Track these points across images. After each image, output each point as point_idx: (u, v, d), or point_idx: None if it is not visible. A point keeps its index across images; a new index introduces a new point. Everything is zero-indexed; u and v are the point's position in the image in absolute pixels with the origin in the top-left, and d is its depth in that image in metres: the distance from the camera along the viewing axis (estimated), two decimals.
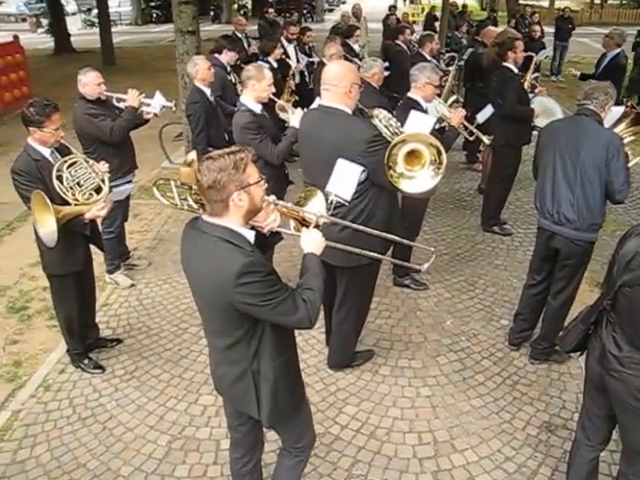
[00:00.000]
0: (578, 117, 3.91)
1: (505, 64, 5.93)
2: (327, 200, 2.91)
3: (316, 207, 2.81)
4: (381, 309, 4.96)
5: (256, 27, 13.09)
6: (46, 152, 3.76)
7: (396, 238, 3.33)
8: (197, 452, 3.56)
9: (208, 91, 5.53)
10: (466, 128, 4.96)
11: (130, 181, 5.10)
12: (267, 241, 2.59)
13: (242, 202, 2.24)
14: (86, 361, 4.26)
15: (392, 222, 3.74)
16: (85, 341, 4.30)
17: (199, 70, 5.43)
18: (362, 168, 3.27)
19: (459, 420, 3.80)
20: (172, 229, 6.48)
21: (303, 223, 2.77)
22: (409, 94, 4.72)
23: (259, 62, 7.16)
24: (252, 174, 2.27)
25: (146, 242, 6.22)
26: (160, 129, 8.14)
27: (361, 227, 3.13)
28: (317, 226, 2.70)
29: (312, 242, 2.56)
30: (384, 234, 3.22)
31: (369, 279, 3.98)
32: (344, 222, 3.05)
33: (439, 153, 3.38)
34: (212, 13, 31.97)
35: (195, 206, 2.57)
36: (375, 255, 3.12)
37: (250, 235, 2.34)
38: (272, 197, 2.54)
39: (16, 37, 11.91)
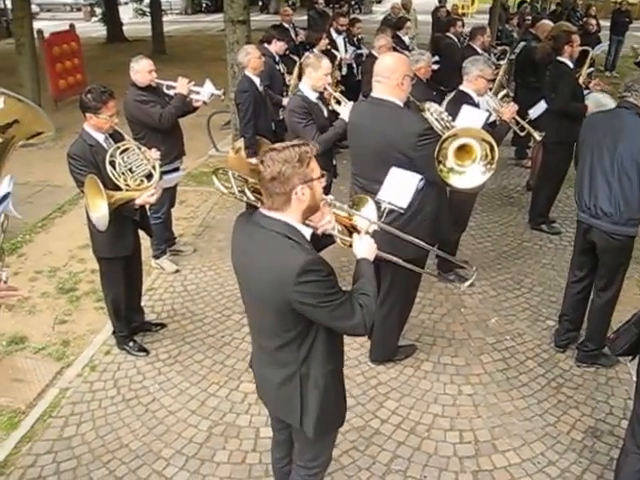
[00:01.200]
0: (618, 110, 3.87)
1: (560, 58, 5.77)
2: (379, 208, 2.83)
3: (368, 214, 2.73)
4: (424, 304, 4.91)
5: (305, 18, 13.08)
6: (100, 138, 3.83)
7: (439, 252, 3.36)
8: (237, 439, 3.60)
9: (258, 80, 5.55)
10: (517, 123, 4.86)
11: (178, 168, 5.17)
12: (319, 243, 2.50)
13: (304, 196, 2.18)
14: (131, 344, 4.35)
15: (440, 217, 3.71)
16: (130, 324, 4.39)
17: (251, 59, 5.48)
18: (420, 176, 3.19)
19: (501, 420, 3.73)
20: (218, 216, 6.56)
21: (351, 229, 2.70)
22: (461, 87, 4.66)
23: (307, 53, 7.18)
24: (315, 169, 2.21)
25: (192, 229, 6.30)
26: (208, 117, 8.20)
27: (405, 236, 3.02)
28: (368, 234, 2.62)
29: (365, 248, 2.48)
30: (422, 243, 3.15)
31: (413, 274, 3.93)
32: (395, 231, 2.94)
33: (491, 149, 3.32)
34: (260, 3, 32.05)
35: (252, 198, 2.51)
36: (416, 268, 3.11)
37: (307, 232, 2.29)
38: (330, 197, 2.50)
39: (72, 26, 12.16)
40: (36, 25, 11.45)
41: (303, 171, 2.16)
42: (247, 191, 2.54)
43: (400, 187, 3.08)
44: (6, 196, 2.47)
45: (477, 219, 6.39)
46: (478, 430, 3.67)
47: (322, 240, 2.52)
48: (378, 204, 2.84)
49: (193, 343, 4.46)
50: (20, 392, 3.99)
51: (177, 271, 5.42)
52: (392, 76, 3.44)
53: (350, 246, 2.56)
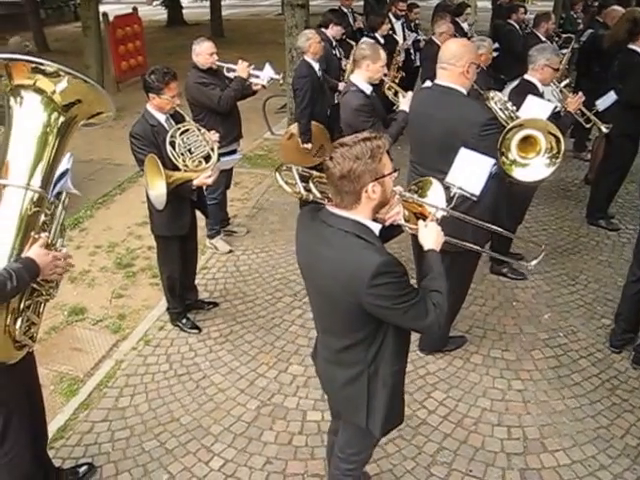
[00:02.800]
0: None
1: (632, 46, 5.49)
2: (449, 193, 2.71)
3: (435, 199, 2.60)
4: (476, 295, 4.84)
5: (361, 3, 12.92)
6: (162, 118, 3.90)
7: (504, 232, 3.14)
8: (284, 420, 3.64)
9: (317, 66, 5.53)
10: (583, 114, 4.70)
11: (235, 150, 5.22)
12: (387, 234, 2.40)
13: (375, 194, 2.08)
14: (184, 320, 4.45)
15: (498, 210, 3.65)
16: (184, 301, 4.49)
17: (311, 44, 5.45)
18: (493, 161, 3.04)
19: (551, 419, 3.66)
20: (271, 199, 6.62)
21: (419, 216, 2.59)
22: (525, 76, 4.52)
23: (364, 37, 7.12)
24: (387, 164, 2.11)
25: (246, 210, 6.38)
26: (264, 101, 8.26)
27: (475, 220, 2.84)
28: (435, 220, 2.51)
29: (432, 238, 2.36)
30: (490, 226, 2.99)
31: (469, 266, 3.90)
32: (466, 216, 2.79)
33: (557, 141, 3.21)
34: None
35: (319, 196, 2.36)
36: (475, 247, 2.90)
37: (377, 228, 2.19)
38: (399, 188, 2.40)
39: (135, 9, 12.40)
40: (101, 9, 11.72)
41: (375, 168, 2.05)
42: (313, 188, 2.39)
43: (471, 171, 2.92)
44: (64, 173, 2.55)
45: (532, 212, 6.22)
46: (527, 427, 3.60)
47: (390, 230, 2.45)
48: (447, 188, 2.72)
49: (244, 323, 4.53)
50: (79, 361, 4.15)
51: (230, 251, 5.50)
52: (458, 63, 3.35)
53: None
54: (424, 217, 2.54)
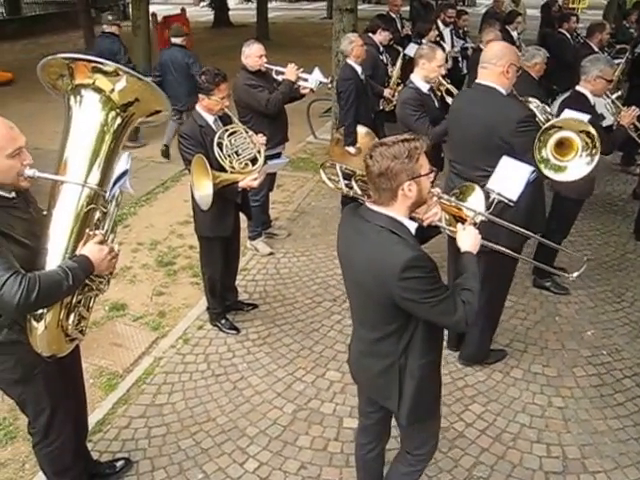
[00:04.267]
0: None
1: None
2: (488, 198, 2.77)
3: (475, 204, 2.70)
4: (517, 309, 4.76)
5: (407, 9, 12.87)
6: (210, 119, 3.94)
7: (550, 243, 3.17)
8: (320, 425, 3.63)
9: (360, 69, 5.56)
10: (637, 129, 4.59)
11: (280, 153, 5.24)
12: (425, 234, 2.52)
13: (411, 193, 2.19)
14: (223, 321, 4.47)
15: (534, 215, 3.61)
16: (224, 302, 4.52)
17: (354, 47, 5.50)
18: (532, 168, 3.10)
19: (593, 439, 3.56)
20: (313, 202, 6.64)
21: (458, 219, 2.69)
22: (577, 87, 4.43)
23: (411, 44, 7.08)
24: (424, 165, 2.21)
25: (287, 213, 6.40)
26: (308, 104, 8.27)
27: (514, 227, 2.91)
28: (474, 224, 2.60)
29: (469, 241, 2.47)
30: (529, 233, 3.05)
31: (507, 270, 3.84)
32: (504, 222, 2.85)
33: (590, 137, 3.20)
34: None
35: (359, 192, 2.53)
36: (507, 251, 2.90)
37: (412, 227, 2.30)
38: (437, 190, 2.49)
39: (183, 10, 12.60)
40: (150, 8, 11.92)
41: (411, 167, 2.16)
42: (354, 184, 2.56)
43: (510, 178, 2.99)
44: (125, 173, 2.59)
45: (577, 226, 6.06)
46: (567, 446, 3.51)
47: (427, 231, 2.54)
48: (487, 194, 2.79)
49: (283, 326, 4.53)
50: (119, 356, 4.21)
51: (271, 254, 5.52)
52: (498, 62, 3.42)
53: None
54: (463, 221, 2.63)
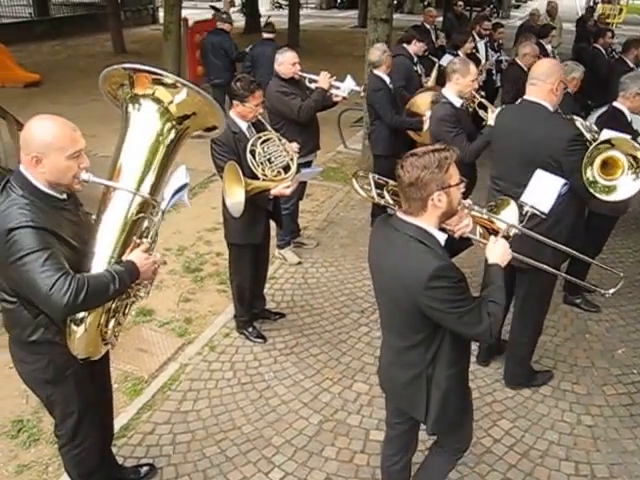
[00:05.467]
0: None
1: None
2: (522, 211, 2.75)
3: (509, 217, 2.69)
4: (547, 325, 4.62)
5: (441, 19, 12.83)
6: (244, 126, 3.93)
7: (585, 257, 3.15)
8: (346, 437, 3.59)
9: (388, 79, 5.55)
10: None
11: (311, 162, 5.23)
12: (456, 246, 2.53)
13: (441, 203, 2.21)
14: (250, 329, 4.44)
15: (577, 231, 3.63)
16: (252, 310, 4.49)
17: (387, 57, 5.50)
18: (564, 181, 3.09)
19: (622, 459, 3.49)
20: (342, 213, 6.60)
21: (492, 232, 2.67)
22: (614, 103, 4.40)
23: (447, 55, 7.03)
24: (454, 175, 2.23)
25: (316, 223, 6.37)
26: (339, 114, 8.26)
27: (546, 240, 2.90)
28: (507, 237, 2.58)
29: (498, 253, 2.48)
30: (568, 249, 3.01)
31: (547, 288, 3.78)
32: (536, 235, 2.84)
33: (635, 159, 3.22)
34: (395, 2, 31.93)
35: (391, 202, 2.55)
36: (549, 269, 2.88)
37: (442, 238, 2.31)
38: (468, 201, 2.50)
39: (214, 15, 12.65)
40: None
41: (441, 177, 2.18)
42: (386, 194, 2.58)
43: (543, 190, 3.00)
44: (184, 186, 2.64)
45: (609, 243, 5.91)
46: (595, 465, 3.45)
47: (458, 243, 2.53)
48: (521, 207, 2.77)
49: (310, 336, 4.49)
50: (144, 362, 4.20)
51: (299, 263, 5.49)
52: (548, 80, 3.41)
53: None
54: (497, 234, 2.62)
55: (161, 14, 13.39)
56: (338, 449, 3.50)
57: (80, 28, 19.40)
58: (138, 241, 2.52)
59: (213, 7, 12.74)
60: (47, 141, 2.27)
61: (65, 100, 9.91)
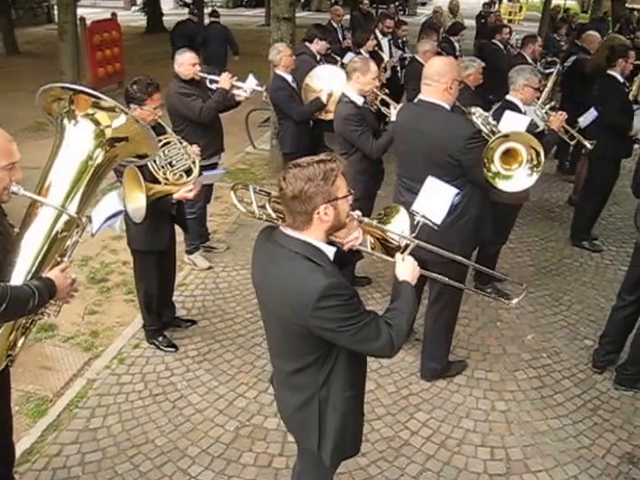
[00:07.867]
0: None
1: (610, 72, 5.59)
2: (413, 220, 2.67)
3: (400, 227, 2.60)
4: (460, 316, 4.70)
5: (348, 17, 12.95)
6: None
7: (487, 270, 3.28)
8: (264, 441, 3.54)
9: (290, 78, 5.58)
10: (567, 132, 4.77)
11: (216, 163, 5.14)
12: (346, 259, 2.39)
13: (327, 216, 2.06)
14: (160, 338, 4.31)
15: (482, 222, 3.73)
16: (161, 318, 4.35)
17: (283, 57, 5.53)
18: (457, 190, 3.10)
19: (534, 439, 3.64)
20: None
21: (383, 242, 2.60)
22: (507, 97, 4.57)
23: (349, 53, 7.11)
24: (341, 187, 2.08)
25: (226, 226, 6.26)
26: (247, 114, 8.17)
27: (447, 253, 2.81)
28: (403, 249, 2.50)
29: (408, 271, 2.37)
30: (460, 258, 2.93)
31: (461, 276, 3.83)
32: (431, 247, 2.70)
33: (538, 154, 3.35)
34: (302, 0, 31.99)
35: (274, 216, 2.29)
36: (461, 259, 2.91)
37: (330, 252, 2.16)
38: (357, 212, 2.39)
39: (114, 15, 12.26)
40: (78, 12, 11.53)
41: (327, 190, 2.03)
42: (268, 207, 2.30)
43: (435, 200, 2.95)
44: (119, 212, 2.56)
45: (517, 232, 6.22)
46: (510, 448, 3.58)
47: (349, 256, 2.40)
48: (412, 216, 2.70)
49: (223, 342, 4.41)
50: (48, 380, 3.98)
51: (209, 268, 5.38)
52: (442, 79, 3.46)
53: (392, 256, 2.47)
54: (388, 243, 2.55)
55: (57, 13, 12.76)
56: (256, 454, 3.45)
57: None
58: (59, 259, 2.47)
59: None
60: None
61: None
